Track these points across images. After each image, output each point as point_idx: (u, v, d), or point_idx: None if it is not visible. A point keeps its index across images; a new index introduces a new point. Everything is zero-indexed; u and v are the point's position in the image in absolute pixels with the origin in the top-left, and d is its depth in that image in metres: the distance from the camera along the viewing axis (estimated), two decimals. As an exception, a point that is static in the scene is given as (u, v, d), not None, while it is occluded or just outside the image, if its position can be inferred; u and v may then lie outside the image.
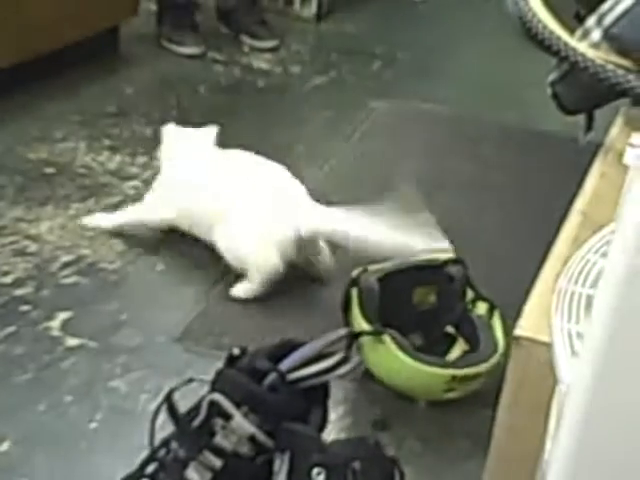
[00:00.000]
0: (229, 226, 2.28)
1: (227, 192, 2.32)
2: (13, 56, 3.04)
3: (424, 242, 2.09)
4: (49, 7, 3.15)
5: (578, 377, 0.84)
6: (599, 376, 0.83)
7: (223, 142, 3.02)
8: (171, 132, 2.54)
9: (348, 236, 2.17)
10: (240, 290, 2.30)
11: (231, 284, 2.30)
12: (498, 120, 3.37)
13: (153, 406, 1.63)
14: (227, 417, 1.49)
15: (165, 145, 2.53)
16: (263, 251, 2.26)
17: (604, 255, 1.05)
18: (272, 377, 1.48)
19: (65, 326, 2.16)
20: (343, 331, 1.57)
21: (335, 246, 2.29)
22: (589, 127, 2.31)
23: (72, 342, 2.10)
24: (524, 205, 2.82)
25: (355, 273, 2.05)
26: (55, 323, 2.16)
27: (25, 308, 2.20)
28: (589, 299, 0.93)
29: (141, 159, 2.89)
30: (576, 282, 0.99)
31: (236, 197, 2.31)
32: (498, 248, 2.57)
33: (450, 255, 2.10)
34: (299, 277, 2.37)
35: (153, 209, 2.46)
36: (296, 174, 2.83)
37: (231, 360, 1.56)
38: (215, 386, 1.53)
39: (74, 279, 2.32)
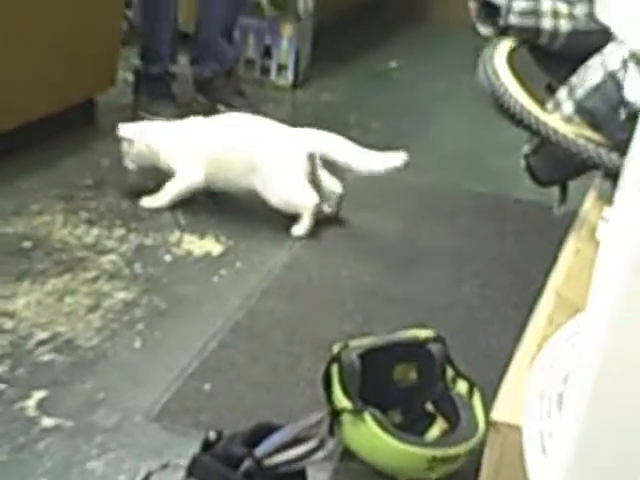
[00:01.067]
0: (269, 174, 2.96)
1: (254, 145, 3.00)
2: (-12, 129, 3.06)
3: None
4: (24, 79, 3.17)
5: (549, 477, 0.84)
6: (569, 476, 0.83)
7: (198, 211, 3.05)
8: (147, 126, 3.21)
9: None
10: (301, 230, 2.95)
11: (207, 358, 2.30)
12: (473, 189, 3.39)
13: (129, 491, 1.62)
14: (203, 504, 1.48)
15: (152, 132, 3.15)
16: (304, 191, 2.95)
17: (574, 346, 1.06)
18: (248, 463, 1.48)
19: (41, 405, 2.13)
20: (320, 415, 1.56)
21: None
22: (563, 199, 2.34)
23: (48, 422, 2.08)
24: (501, 275, 2.82)
25: (336, 349, 2.04)
26: (31, 402, 2.14)
27: (0, 387, 2.19)
28: (560, 397, 0.94)
29: (118, 232, 2.89)
30: (547, 378, 1.00)
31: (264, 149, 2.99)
32: (475, 321, 2.57)
33: (430, 333, 2.10)
34: (279, 349, 2.37)
35: (191, 174, 3.05)
36: (275, 244, 2.84)
37: (207, 445, 1.55)
38: (191, 472, 1.52)
39: (50, 357, 2.31)
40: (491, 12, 2.30)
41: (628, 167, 1.01)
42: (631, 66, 0.84)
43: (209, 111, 3.85)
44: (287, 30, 4.22)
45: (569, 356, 1.00)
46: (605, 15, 0.90)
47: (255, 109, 3.87)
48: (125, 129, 3.14)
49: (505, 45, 2.29)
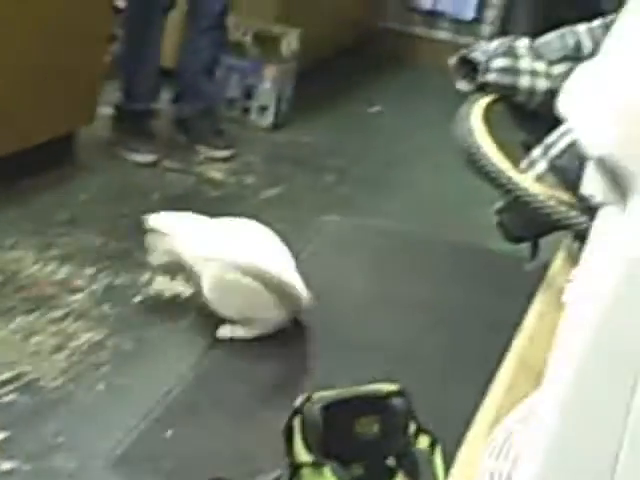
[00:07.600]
0: None
1: None
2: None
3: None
4: (3, 111, 3.16)
5: None
6: None
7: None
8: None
9: None
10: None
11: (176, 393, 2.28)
12: (447, 237, 3.39)
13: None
14: None
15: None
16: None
17: (523, 431, 1.05)
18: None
19: (0, 447, 2.11)
20: (278, 472, 1.55)
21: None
22: (533, 255, 2.34)
23: (6, 465, 2.06)
24: (471, 324, 2.82)
25: (298, 402, 2.03)
26: (-10, 444, 2.12)
27: (-40, 427, 2.17)
28: (509, 477, 0.93)
29: (88, 270, 2.87)
30: (497, 457, 0.99)
31: None
32: (443, 374, 2.57)
33: (394, 387, 2.09)
34: (245, 397, 2.36)
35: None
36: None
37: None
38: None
39: (13, 397, 2.29)
40: (470, 69, 2.31)
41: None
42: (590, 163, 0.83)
43: (187, 149, 3.87)
44: (270, 72, 4.23)
45: (520, 436, 0.99)
46: (565, 110, 0.89)
47: (233, 149, 3.90)
48: (156, 220, 2.75)
49: (482, 102, 2.29)
